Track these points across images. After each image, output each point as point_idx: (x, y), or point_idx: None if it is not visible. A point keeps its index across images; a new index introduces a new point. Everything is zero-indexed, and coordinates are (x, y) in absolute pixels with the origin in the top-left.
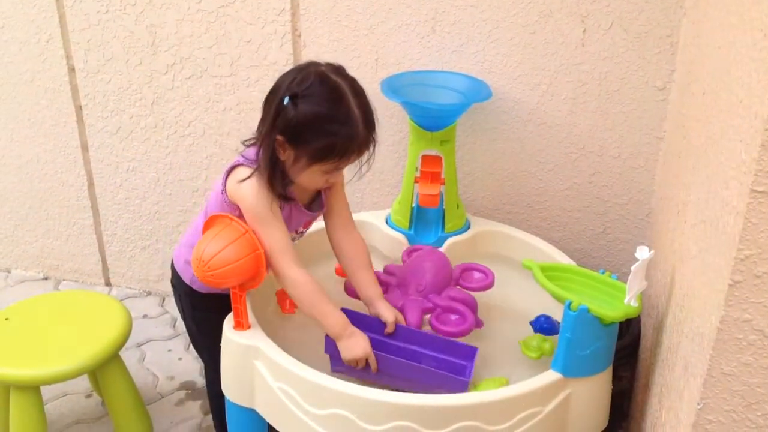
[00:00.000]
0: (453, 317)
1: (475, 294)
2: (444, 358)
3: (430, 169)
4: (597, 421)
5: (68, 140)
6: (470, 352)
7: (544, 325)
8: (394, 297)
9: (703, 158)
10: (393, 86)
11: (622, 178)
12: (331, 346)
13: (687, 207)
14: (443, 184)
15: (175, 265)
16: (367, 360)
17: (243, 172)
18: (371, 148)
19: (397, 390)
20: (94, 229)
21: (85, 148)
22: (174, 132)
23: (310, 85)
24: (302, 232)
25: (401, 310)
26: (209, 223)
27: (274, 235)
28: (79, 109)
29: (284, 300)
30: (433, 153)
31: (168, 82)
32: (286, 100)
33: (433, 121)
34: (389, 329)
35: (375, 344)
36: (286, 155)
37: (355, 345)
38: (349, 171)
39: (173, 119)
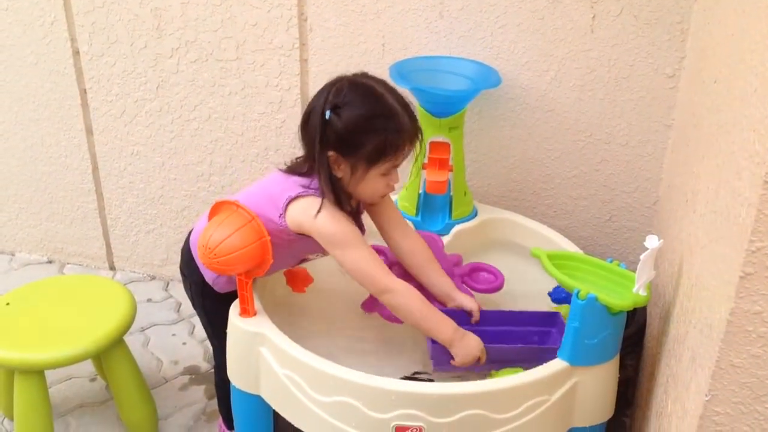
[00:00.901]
0: (484, 275)
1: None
2: (533, 329)
3: (438, 156)
4: (603, 409)
5: (73, 124)
6: (553, 318)
7: (562, 295)
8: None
9: (714, 147)
10: (401, 72)
11: (630, 166)
12: (438, 350)
13: (696, 196)
14: (451, 170)
15: (197, 261)
16: (482, 360)
17: (309, 203)
18: (420, 138)
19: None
20: (98, 212)
21: (89, 131)
22: (179, 116)
23: (346, 94)
24: None
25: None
26: (215, 210)
27: (363, 254)
28: (83, 92)
29: (294, 279)
30: (441, 139)
31: (173, 66)
32: (329, 114)
33: (442, 107)
34: (476, 317)
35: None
36: (342, 170)
37: (470, 345)
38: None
39: (178, 103)
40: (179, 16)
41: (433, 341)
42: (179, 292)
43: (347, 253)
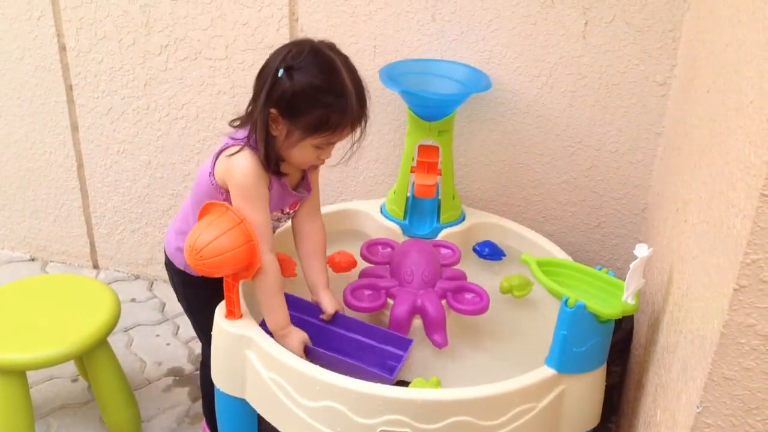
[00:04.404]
0: (468, 296)
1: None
2: (380, 347)
3: (427, 159)
4: (589, 417)
5: (58, 120)
6: (406, 344)
7: (487, 251)
8: (406, 293)
9: (707, 156)
10: (391, 74)
11: (619, 172)
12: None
13: (688, 205)
14: (440, 174)
15: (167, 250)
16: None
17: (233, 150)
18: (363, 125)
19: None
20: (82, 210)
21: (75, 128)
22: (166, 114)
23: (305, 58)
24: (289, 213)
25: (422, 305)
26: (204, 211)
27: (257, 218)
28: (69, 88)
29: (282, 263)
30: (430, 143)
31: (161, 64)
32: (281, 72)
33: (431, 110)
34: (325, 317)
35: (313, 330)
36: (279, 130)
37: (289, 343)
38: (338, 153)
39: (166, 101)
40: (168, 13)
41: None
42: (163, 292)
43: (243, 206)
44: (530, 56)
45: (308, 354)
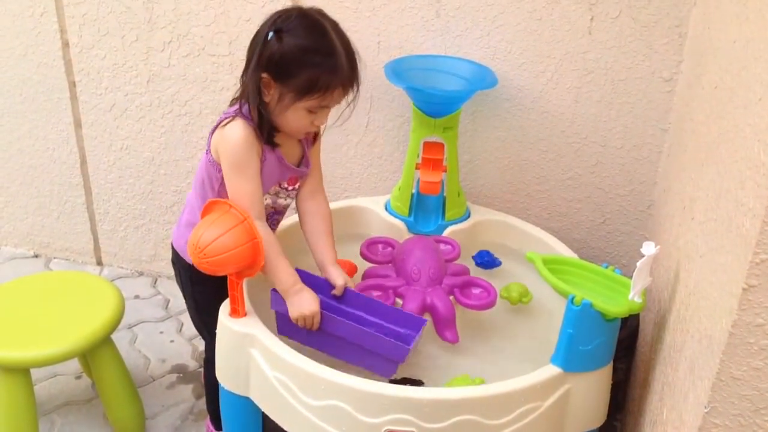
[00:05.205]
0: (476, 291)
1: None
2: (390, 327)
3: (432, 156)
4: (595, 416)
5: (61, 116)
6: (418, 323)
7: (485, 259)
8: (415, 291)
9: (714, 154)
10: (396, 71)
11: (625, 169)
12: (278, 302)
13: (695, 203)
14: (445, 171)
15: (175, 245)
16: (312, 326)
17: (227, 121)
18: (355, 88)
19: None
20: (86, 207)
21: (78, 124)
22: (170, 111)
23: (294, 21)
24: (288, 190)
25: (432, 302)
26: (207, 209)
27: (246, 186)
28: (72, 85)
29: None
30: (436, 140)
31: (164, 60)
32: (270, 35)
33: (437, 107)
34: (337, 292)
35: (324, 307)
36: (271, 95)
37: (303, 301)
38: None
39: (169, 98)
40: (172, 9)
41: (279, 311)
42: (167, 288)
43: (232, 177)
44: (535, 52)
45: (323, 321)
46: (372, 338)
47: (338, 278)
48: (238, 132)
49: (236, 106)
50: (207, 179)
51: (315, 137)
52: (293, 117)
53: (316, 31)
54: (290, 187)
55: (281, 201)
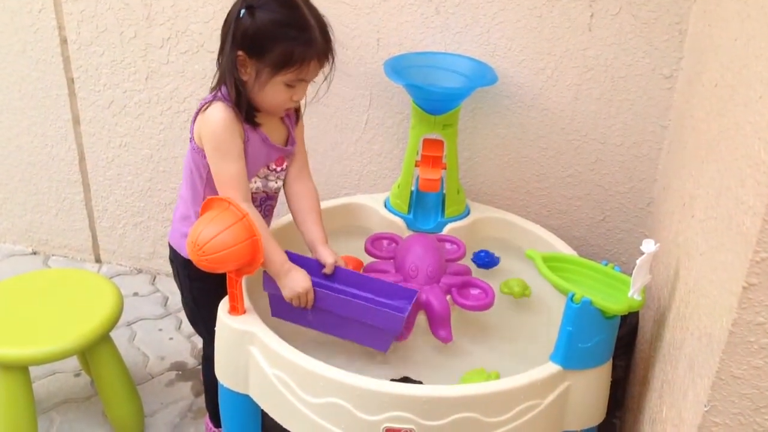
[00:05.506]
0: (474, 291)
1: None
2: (383, 300)
3: (432, 154)
4: (595, 413)
5: (59, 113)
6: (409, 295)
7: (485, 260)
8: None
9: (714, 151)
10: (396, 68)
11: (624, 166)
12: (270, 284)
13: (695, 201)
14: (444, 168)
15: (171, 240)
16: (306, 303)
17: (206, 106)
18: (330, 60)
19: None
20: (84, 204)
21: (76, 121)
22: (168, 108)
23: None
24: (276, 171)
25: (427, 300)
26: (206, 206)
27: (229, 168)
28: (71, 81)
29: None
30: (435, 137)
31: (163, 57)
32: (242, 12)
33: (437, 104)
34: (327, 270)
35: (316, 286)
36: (249, 73)
37: (294, 280)
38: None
39: (168, 94)
40: (170, 6)
41: (271, 294)
42: (166, 286)
43: (216, 160)
44: (535, 49)
45: (316, 299)
46: (365, 310)
47: (328, 257)
48: (218, 114)
49: (214, 93)
50: (194, 168)
51: (297, 116)
52: (272, 93)
53: (287, 5)
54: (278, 168)
55: (272, 184)
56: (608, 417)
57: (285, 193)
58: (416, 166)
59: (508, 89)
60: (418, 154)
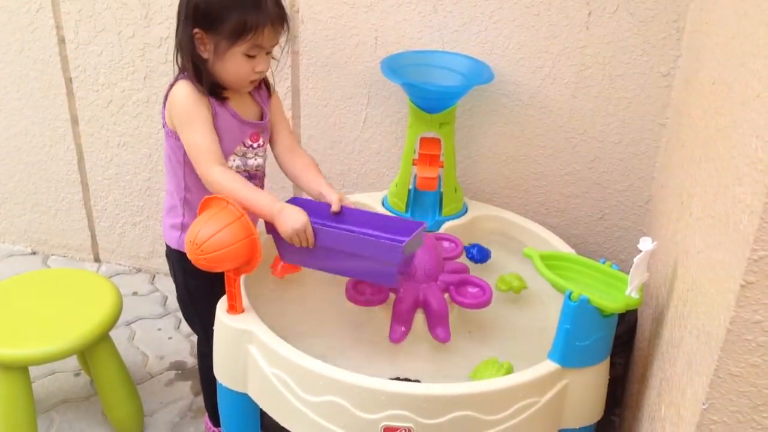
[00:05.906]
0: (472, 290)
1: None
2: (387, 235)
3: (429, 152)
4: (593, 411)
5: (58, 113)
6: (415, 226)
7: (476, 255)
8: (410, 288)
9: (712, 150)
10: (393, 66)
11: (623, 164)
12: (271, 228)
13: (692, 199)
14: (442, 167)
15: (164, 235)
16: (306, 242)
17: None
18: (286, 27)
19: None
20: (83, 204)
21: (75, 121)
22: None
23: None
24: (254, 147)
25: (425, 299)
26: (204, 205)
27: (198, 138)
28: (69, 81)
29: (275, 265)
30: (432, 135)
31: (161, 56)
32: None
33: (433, 103)
34: (334, 207)
35: (318, 226)
36: (207, 50)
37: (290, 216)
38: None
39: None
40: (168, 5)
41: (277, 241)
42: (165, 285)
43: (185, 132)
44: (533, 47)
45: (317, 236)
46: (364, 243)
47: (332, 194)
48: (182, 90)
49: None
50: (171, 153)
51: (269, 91)
52: (233, 65)
53: None
54: (255, 144)
55: (251, 161)
56: (607, 415)
57: (282, 169)
58: (413, 164)
59: (505, 87)
60: (415, 152)
